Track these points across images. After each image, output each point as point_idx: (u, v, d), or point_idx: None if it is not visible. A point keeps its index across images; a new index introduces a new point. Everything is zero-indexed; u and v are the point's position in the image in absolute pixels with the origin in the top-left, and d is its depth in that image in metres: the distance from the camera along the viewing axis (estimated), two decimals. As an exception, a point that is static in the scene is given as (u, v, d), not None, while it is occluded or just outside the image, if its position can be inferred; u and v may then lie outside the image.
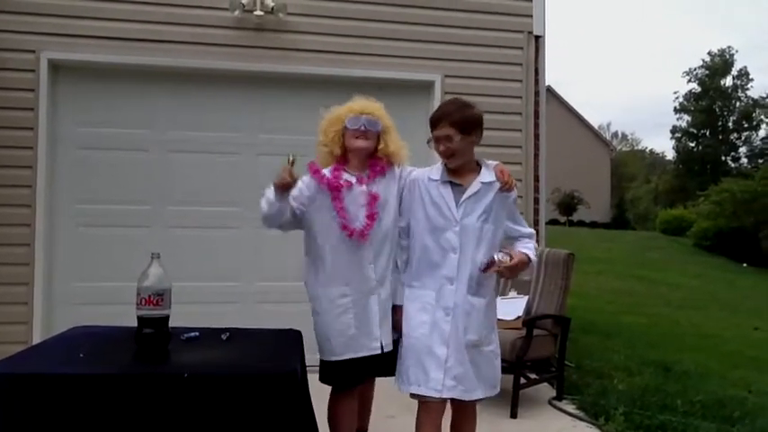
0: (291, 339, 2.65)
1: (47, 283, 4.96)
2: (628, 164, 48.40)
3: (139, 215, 5.14)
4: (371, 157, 2.90)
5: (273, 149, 5.29)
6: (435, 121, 2.77)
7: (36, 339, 4.82)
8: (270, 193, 2.67)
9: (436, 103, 5.36)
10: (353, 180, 2.84)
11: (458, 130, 2.71)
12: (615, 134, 57.54)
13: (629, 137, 59.03)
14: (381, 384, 4.55)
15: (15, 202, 4.86)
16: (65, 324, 4.96)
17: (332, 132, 2.87)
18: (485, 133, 5.76)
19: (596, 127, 42.99)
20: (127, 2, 5.04)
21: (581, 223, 33.54)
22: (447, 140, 2.72)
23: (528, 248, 2.79)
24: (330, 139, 2.87)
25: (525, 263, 2.72)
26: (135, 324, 2.42)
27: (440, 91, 5.40)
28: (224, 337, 2.60)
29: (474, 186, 2.76)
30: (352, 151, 2.87)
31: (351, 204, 2.80)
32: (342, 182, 2.82)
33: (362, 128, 2.81)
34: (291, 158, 2.60)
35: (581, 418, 4.26)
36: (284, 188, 2.63)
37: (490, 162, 2.88)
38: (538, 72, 5.59)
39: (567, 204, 34.39)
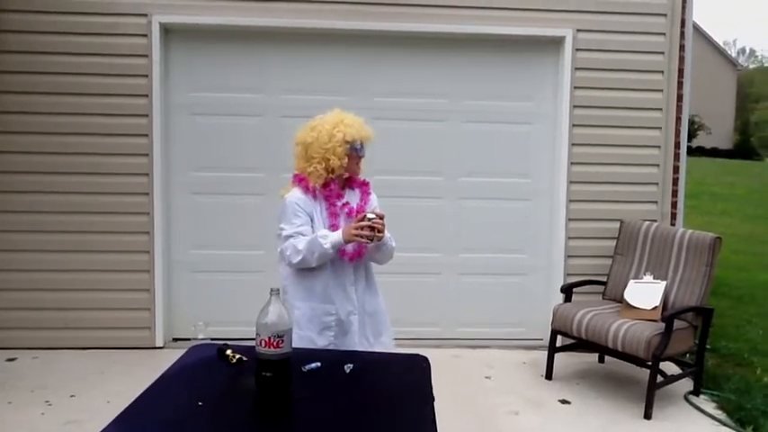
0: (419, 374, 2.45)
1: (166, 250, 4.99)
2: (755, 83, 44.27)
3: (253, 183, 5.02)
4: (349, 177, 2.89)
5: (389, 114, 5.00)
6: None
7: (158, 307, 4.92)
8: (330, 247, 2.66)
9: (567, 62, 4.86)
10: (342, 201, 2.85)
11: None
12: (742, 50, 52.86)
13: (759, 53, 54.12)
14: (500, 379, 4.33)
15: (134, 171, 4.85)
16: (183, 291, 5.06)
17: (340, 151, 2.73)
18: (623, 95, 5.25)
19: (721, 43, 39.64)
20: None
21: (700, 150, 31.37)
22: None
23: None
24: (338, 157, 2.74)
25: None
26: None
27: (571, 47, 4.85)
28: (347, 369, 2.43)
29: None
30: (346, 171, 2.82)
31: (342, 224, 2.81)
32: (339, 203, 2.84)
33: (362, 154, 2.82)
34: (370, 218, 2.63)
35: (723, 423, 3.89)
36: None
37: None
38: (684, 24, 4.90)
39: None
